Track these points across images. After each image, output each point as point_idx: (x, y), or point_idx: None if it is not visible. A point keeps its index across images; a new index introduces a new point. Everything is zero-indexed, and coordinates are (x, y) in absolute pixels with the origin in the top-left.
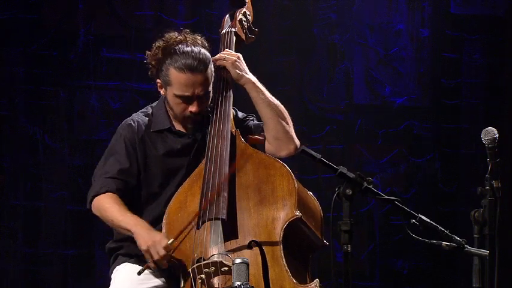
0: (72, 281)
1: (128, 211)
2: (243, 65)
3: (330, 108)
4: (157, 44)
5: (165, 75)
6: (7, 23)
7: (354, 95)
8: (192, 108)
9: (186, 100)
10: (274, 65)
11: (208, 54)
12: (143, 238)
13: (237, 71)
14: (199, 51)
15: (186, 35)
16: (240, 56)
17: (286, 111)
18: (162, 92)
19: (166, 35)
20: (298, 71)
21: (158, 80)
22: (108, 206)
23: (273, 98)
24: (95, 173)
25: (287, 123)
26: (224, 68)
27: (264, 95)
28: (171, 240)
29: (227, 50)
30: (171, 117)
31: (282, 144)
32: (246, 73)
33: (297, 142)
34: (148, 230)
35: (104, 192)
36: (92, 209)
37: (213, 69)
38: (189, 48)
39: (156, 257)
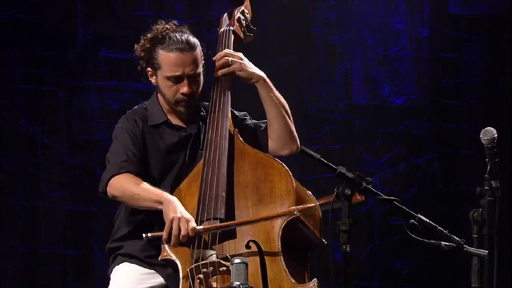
0: (72, 281)
1: (154, 187)
2: (249, 62)
3: (329, 108)
4: (144, 36)
5: (155, 60)
6: (6, 23)
7: (353, 95)
8: (184, 89)
9: (177, 80)
10: (273, 65)
11: (196, 39)
12: (174, 209)
13: (247, 72)
14: (187, 35)
15: (172, 25)
16: (241, 54)
17: (289, 110)
18: (153, 80)
19: (153, 27)
20: (298, 71)
21: (148, 69)
22: (131, 182)
23: (280, 96)
24: (107, 159)
25: (291, 122)
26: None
27: (273, 93)
28: (201, 227)
29: (227, 49)
30: (166, 112)
31: (286, 143)
32: (256, 70)
33: (298, 142)
34: (181, 205)
35: (124, 173)
36: (109, 188)
37: (202, 53)
38: (176, 33)
39: (176, 232)
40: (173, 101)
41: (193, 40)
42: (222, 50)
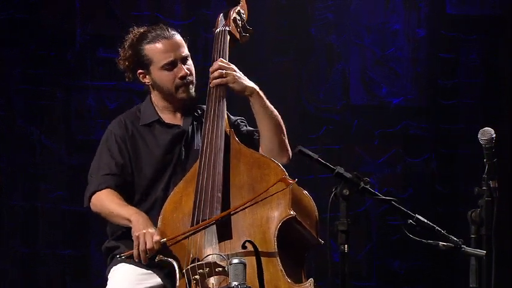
0: (70, 281)
1: (128, 204)
2: (241, 74)
3: (326, 108)
4: (122, 47)
5: (143, 58)
6: (4, 23)
7: (350, 95)
8: (181, 72)
9: (172, 66)
10: (271, 65)
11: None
12: (139, 225)
13: (241, 85)
14: (163, 27)
15: (145, 27)
16: (234, 67)
17: (281, 120)
18: (147, 81)
19: (126, 36)
20: (295, 71)
21: (139, 71)
22: (108, 199)
23: (273, 108)
24: (90, 171)
25: (284, 134)
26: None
27: (266, 106)
28: (164, 239)
29: (221, 59)
30: (158, 111)
31: (276, 155)
32: (248, 83)
33: (290, 153)
34: (147, 222)
35: (103, 189)
36: (91, 206)
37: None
38: (152, 29)
39: (142, 246)
40: (173, 88)
41: (173, 31)
42: (217, 51)
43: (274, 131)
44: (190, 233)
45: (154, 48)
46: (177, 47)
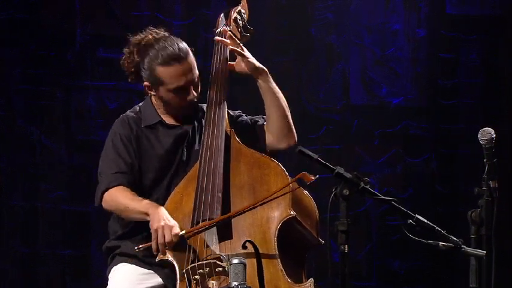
0: (70, 281)
1: (143, 199)
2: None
3: (326, 109)
4: (127, 50)
5: (153, 76)
6: (4, 23)
7: (350, 95)
8: (189, 96)
9: (182, 91)
10: (271, 65)
11: (183, 42)
12: (157, 219)
13: (251, 60)
14: (174, 40)
15: (151, 33)
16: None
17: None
18: (152, 93)
19: (132, 41)
20: (295, 72)
21: (146, 83)
22: (122, 195)
23: (279, 90)
24: (100, 170)
25: (289, 115)
26: (219, 66)
27: (274, 85)
28: (184, 231)
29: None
30: (160, 113)
31: (284, 136)
32: (258, 63)
33: (296, 136)
34: (166, 215)
35: (114, 186)
36: (103, 203)
37: (192, 53)
38: (164, 41)
39: (161, 240)
40: (179, 108)
41: (183, 45)
42: (218, 51)
43: (282, 112)
44: (212, 225)
45: (167, 72)
46: (188, 71)
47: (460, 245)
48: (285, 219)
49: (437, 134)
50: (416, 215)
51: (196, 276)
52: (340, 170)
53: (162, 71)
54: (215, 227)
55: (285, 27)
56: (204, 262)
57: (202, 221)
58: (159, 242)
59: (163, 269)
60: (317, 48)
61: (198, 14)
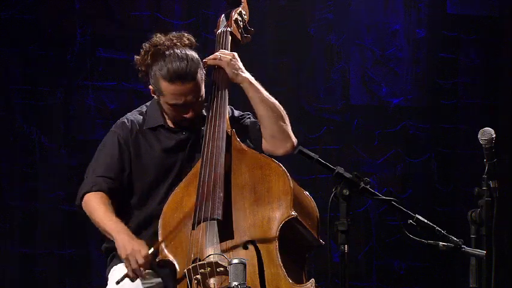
0: (69, 281)
1: (114, 215)
2: (239, 63)
3: (326, 109)
4: (145, 48)
5: (156, 84)
6: (4, 24)
7: (350, 95)
8: (187, 114)
9: (180, 108)
10: (271, 66)
11: (196, 56)
12: (123, 246)
13: (233, 70)
14: (187, 56)
15: (172, 38)
16: (236, 54)
17: (283, 109)
18: (155, 96)
19: (153, 39)
20: (295, 72)
21: (150, 87)
22: (96, 207)
23: (270, 96)
24: (87, 169)
25: (284, 121)
26: (219, 67)
27: (260, 93)
28: (151, 249)
29: (222, 50)
30: (165, 115)
31: (279, 143)
32: (242, 71)
33: (294, 140)
34: (129, 238)
35: (95, 191)
36: (82, 205)
37: (203, 72)
38: (176, 55)
39: (134, 266)
40: (176, 121)
41: (193, 61)
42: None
43: (272, 117)
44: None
45: (167, 87)
46: (190, 92)
47: (460, 245)
48: (286, 219)
49: (437, 134)
50: (416, 215)
51: (197, 276)
52: (340, 170)
53: (163, 85)
54: (216, 227)
55: (284, 27)
56: (205, 262)
57: (203, 221)
58: (133, 268)
59: (163, 268)
60: (317, 48)
61: (198, 14)
